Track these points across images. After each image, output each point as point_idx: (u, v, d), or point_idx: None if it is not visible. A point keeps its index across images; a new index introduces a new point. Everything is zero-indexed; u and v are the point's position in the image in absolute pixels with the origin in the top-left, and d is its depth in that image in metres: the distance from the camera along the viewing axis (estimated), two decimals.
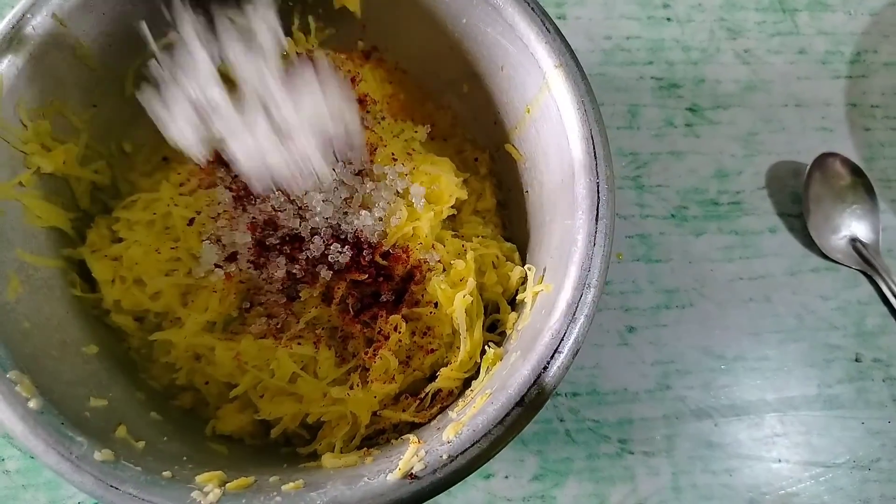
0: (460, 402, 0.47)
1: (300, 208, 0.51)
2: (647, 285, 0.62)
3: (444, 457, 0.39)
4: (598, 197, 0.44)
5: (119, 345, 0.52)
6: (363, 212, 0.51)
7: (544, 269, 0.49)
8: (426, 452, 0.40)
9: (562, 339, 0.42)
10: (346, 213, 0.51)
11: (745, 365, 0.61)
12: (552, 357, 0.41)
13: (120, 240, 0.52)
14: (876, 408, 0.61)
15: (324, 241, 0.50)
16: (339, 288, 0.51)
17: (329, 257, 0.50)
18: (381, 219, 0.51)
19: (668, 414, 0.59)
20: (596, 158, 0.45)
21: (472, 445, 0.40)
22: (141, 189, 0.55)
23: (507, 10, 0.48)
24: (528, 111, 0.51)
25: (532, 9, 0.48)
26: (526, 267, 0.51)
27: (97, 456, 0.39)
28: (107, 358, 0.50)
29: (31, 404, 0.40)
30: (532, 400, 0.41)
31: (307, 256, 0.50)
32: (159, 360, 0.52)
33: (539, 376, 0.41)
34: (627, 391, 0.60)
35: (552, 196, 0.50)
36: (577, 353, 0.42)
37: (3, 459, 0.55)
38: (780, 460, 0.59)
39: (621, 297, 0.62)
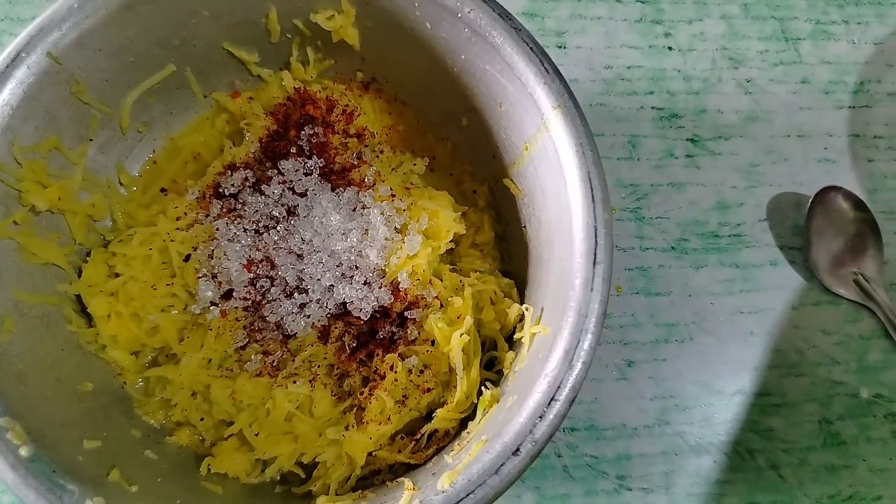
0: (456, 446, 0.47)
1: (298, 251, 0.51)
2: (646, 319, 0.62)
3: None
4: (596, 241, 0.44)
5: (114, 380, 0.52)
6: (367, 251, 0.51)
7: (542, 310, 0.49)
8: (420, 502, 0.40)
9: (558, 387, 0.41)
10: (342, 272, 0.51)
11: (745, 400, 0.60)
12: (549, 405, 0.41)
13: (117, 275, 0.52)
14: (878, 444, 0.60)
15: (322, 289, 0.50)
16: (335, 327, 0.50)
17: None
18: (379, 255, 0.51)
19: (666, 450, 0.59)
20: (594, 202, 0.45)
21: (468, 496, 0.40)
22: (138, 221, 0.55)
23: (506, 50, 0.48)
24: (527, 149, 0.51)
25: (531, 48, 0.47)
26: (524, 307, 0.51)
27: None
28: (102, 395, 0.50)
29: (22, 452, 0.39)
30: (528, 449, 0.40)
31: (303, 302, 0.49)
32: (155, 395, 0.52)
33: (535, 425, 0.41)
34: (626, 426, 0.59)
35: (550, 234, 0.50)
36: (573, 400, 0.42)
37: None
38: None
39: (620, 330, 0.61)
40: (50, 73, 0.47)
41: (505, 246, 0.60)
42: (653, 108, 0.67)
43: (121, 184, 0.56)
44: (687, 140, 0.66)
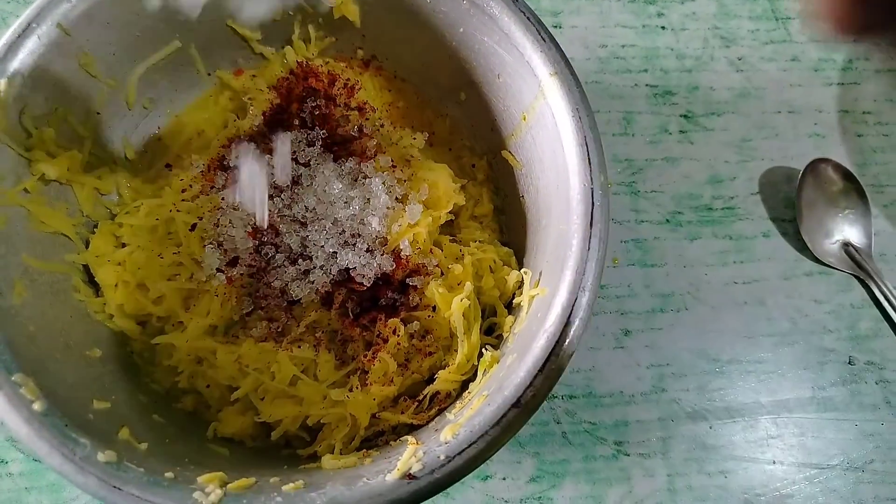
0: (458, 404, 0.48)
1: (301, 219, 0.52)
2: (642, 289, 0.63)
3: (442, 457, 0.40)
4: (593, 202, 0.45)
5: (122, 348, 0.53)
6: (369, 218, 0.52)
7: (540, 273, 0.50)
8: (424, 453, 0.41)
9: (557, 342, 0.42)
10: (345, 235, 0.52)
11: (739, 368, 0.62)
12: (547, 359, 0.42)
13: (123, 245, 0.53)
14: (869, 410, 0.61)
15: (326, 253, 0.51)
16: (339, 293, 0.51)
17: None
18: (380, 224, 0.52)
19: (663, 416, 0.60)
20: (590, 164, 0.46)
21: (470, 446, 0.40)
22: (144, 195, 0.56)
23: (504, 20, 0.49)
24: (525, 118, 0.52)
25: (528, 18, 0.49)
26: (522, 271, 0.52)
27: (101, 457, 0.40)
28: (110, 361, 0.51)
29: (36, 406, 0.40)
30: (528, 401, 0.41)
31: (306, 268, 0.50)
32: (162, 363, 0.53)
33: (534, 378, 0.42)
34: (623, 394, 0.60)
35: (547, 201, 0.51)
36: (572, 355, 0.43)
37: (6, 462, 0.55)
38: (774, 462, 0.59)
39: (617, 301, 0.63)
40: (59, 44, 0.48)
41: (504, 218, 0.61)
42: (647, 85, 0.69)
43: (127, 158, 0.57)
44: (680, 116, 0.68)
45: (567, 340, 0.43)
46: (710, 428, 0.60)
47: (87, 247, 0.53)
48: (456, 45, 0.55)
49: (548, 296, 0.45)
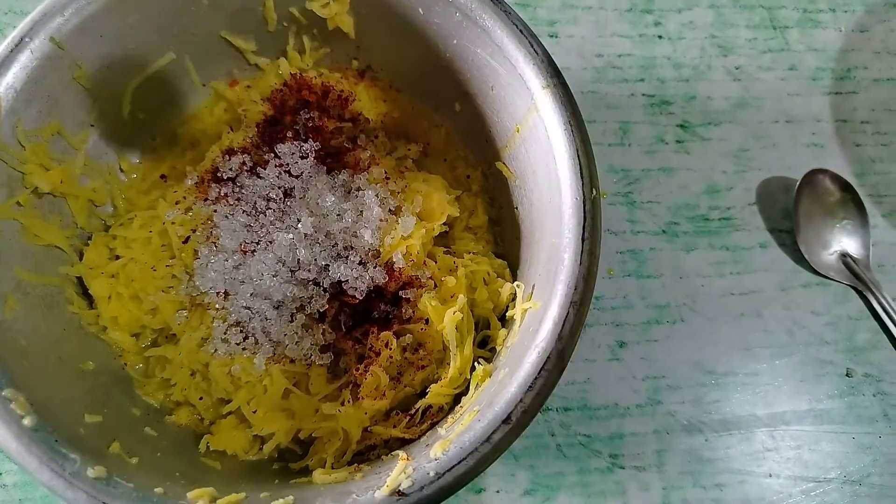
0: (449, 419, 0.48)
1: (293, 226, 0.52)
2: (638, 301, 0.63)
3: (432, 474, 0.40)
4: (585, 216, 0.45)
5: (115, 361, 0.53)
6: (362, 230, 0.52)
7: (533, 287, 0.50)
8: (414, 469, 0.41)
9: (548, 357, 0.42)
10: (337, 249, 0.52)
11: (735, 380, 0.61)
12: (538, 374, 0.42)
13: (117, 257, 0.53)
14: (867, 423, 0.61)
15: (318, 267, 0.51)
16: (331, 306, 0.51)
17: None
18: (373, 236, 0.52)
19: (658, 429, 0.60)
20: (582, 178, 0.46)
21: (459, 462, 0.40)
22: (138, 207, 0.56)
23: (496, 32, 0.49)
24: (518, 130, 0.52)
25: (520, 31, 0.49)
26: (515, 284, 0.52)
27: (90, 472, 0.40)
28: (103, 374, 0.51)
29: (26, 422, 0.40)
30: (518, 418, 0.41)
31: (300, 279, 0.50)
32: (155, 376, 0.53)
33: (525, 394, 0.42)
34: (618, 406, 0.60)
35: (540, 214, 0.51)
36: (563, 371, 0.43)
37: (0, 473, 0.55)
38: (770, 475, 0.59)
39: (612, 312, 0.62)
40: (53, 57, 0.48)
41: (498, 229, 0.61)
42: (643, 95, 0.68)
43: (121, 170, 0.57)
44: (677, 126, 0.68)
45: (558, 356, 0.42)
46: (706, 441, 0.60)
47: (80, 259, 0.53)
48: (450, 56, 0.54)
49: (540, 310, 0.45)
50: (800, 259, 0.65)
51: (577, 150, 0.46)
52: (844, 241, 0.64)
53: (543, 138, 0.48)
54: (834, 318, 0.64)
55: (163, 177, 0.58)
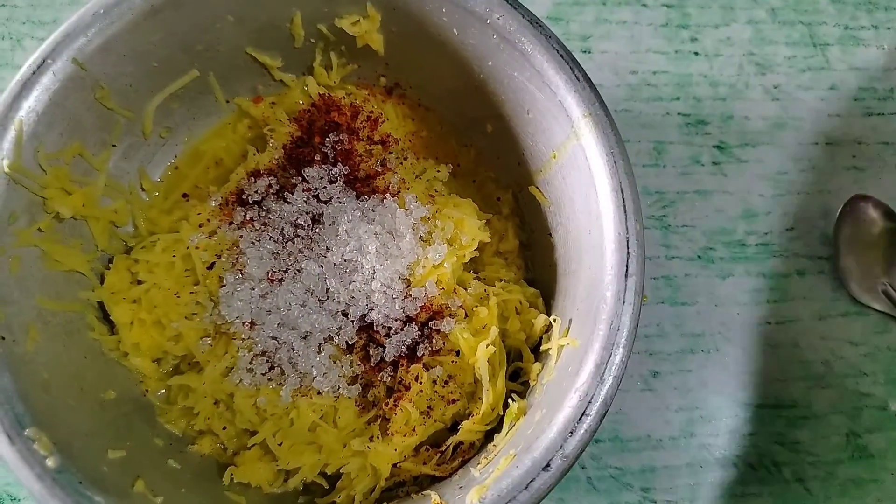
0: (482, 459, 0.46)
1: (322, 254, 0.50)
2: (672, 329, 0.61)
3: None
4: (628, 252, 0.43)
5: (136, 387, 0.52)
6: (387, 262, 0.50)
7: (570, 321, 0.48)
8: None
9: (589, 402, 0.41)
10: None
11: (771, 412, 0.59)
12: (579, 420, 0.40)
13: (139, 282, 0.52)
14: None
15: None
16: (360, 337, 0.50)
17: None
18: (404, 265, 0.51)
19: (691, 462, 0.58)
20: (626, 212, 0.44)
21: None
22: (160, 227, 0.55)
23: (536, 57, 0.47)
24: (555, 157, 0.50)
25: (561, 56, 0.47)
26: (552, 318, 0.50)
27: None
28: (124, 402, 0.50)
29: (49, 462, 0.39)
30: (558, 465, 0.40)
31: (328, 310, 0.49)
32: (178, 403, 0.51)
33: (566, 440, 0.40)
34: (651, 438, 0.58)
35: (578, 245, 0.49)
36: (604, 415, 0.41)
37: (18, 500, 0.54)
38: None
39: (646, 340, 0.61)
40: (75, 79, 0.46)
41: (529, 254, 0.59)
42: (679, 114, 0.66)
43: (143, 189, 0.56)
44: (713, 147, 0.65)
45: (600, 400, 0.41)
46: (740, 475, 0.58)
47: (101, 282, 0.51)
48: (483, 77, 0.53)
49: (580, 349, 0.43)
50: (838, 287, 0.63)
51: (621, 183, 0.44)
52: (886, 271, 0.62)
53: (584, 167, 0.46)
54: (873, 349, 0.62)
55: (185, 196, 0.57)
